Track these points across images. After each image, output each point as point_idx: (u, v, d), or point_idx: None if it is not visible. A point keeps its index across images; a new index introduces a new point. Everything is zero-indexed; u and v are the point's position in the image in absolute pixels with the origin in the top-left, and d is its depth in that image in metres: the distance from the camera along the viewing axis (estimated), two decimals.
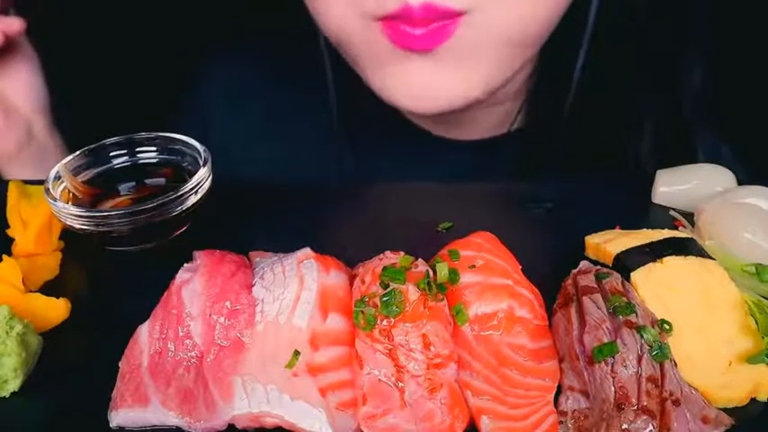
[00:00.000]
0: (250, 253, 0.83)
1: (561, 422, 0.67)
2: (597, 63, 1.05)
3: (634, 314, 0.70)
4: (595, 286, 0.74)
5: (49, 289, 0.82)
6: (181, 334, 0.71)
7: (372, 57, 0.94)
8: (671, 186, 0.95)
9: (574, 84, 1.05)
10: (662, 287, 0.76)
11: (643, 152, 1.11)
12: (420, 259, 0.77)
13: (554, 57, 1.04)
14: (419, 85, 0.92)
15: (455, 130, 1.14)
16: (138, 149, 0.96)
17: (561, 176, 1.22)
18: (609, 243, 0.84)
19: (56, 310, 0.78)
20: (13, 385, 0.70)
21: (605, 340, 0.67)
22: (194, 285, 0.73)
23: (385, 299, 0.70)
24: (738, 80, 1.17)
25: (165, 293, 0.74)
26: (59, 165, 0.90)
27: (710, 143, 1.16)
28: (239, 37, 1.22)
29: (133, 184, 0.95)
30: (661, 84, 1.10)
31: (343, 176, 1.17)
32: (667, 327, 0.71)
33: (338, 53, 1.04)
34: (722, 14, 1.11)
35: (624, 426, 0.63)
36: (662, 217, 0.93)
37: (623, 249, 0.82)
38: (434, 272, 0.75)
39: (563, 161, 1.10)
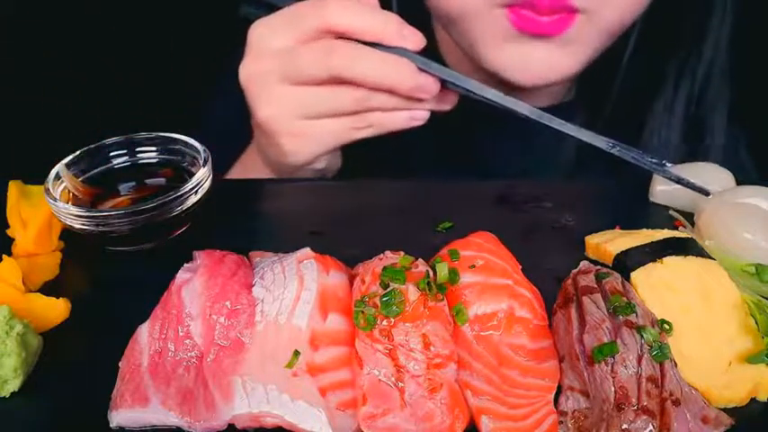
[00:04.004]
0: (250, 253, 0.83)
1: (561, 422, 0.67)
2: (643, 49, 1.16)
3: (634, 314, 0.70)
4: (595, 286, 0.74)
5: (49, 289, 0.82)
6: (181, 334, 0.71)
7: (489, 35, 1.04)
8: (669, 185, 0.95)
9: (623, 65, 1.17)
10: (662, 287, 0.76)
11: (672, 143, 1.18)
12: (420, 259, 0.77)
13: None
14: (531, 63, 1.04)
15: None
16: (138, 149, 0.96)
17: (561, 176, 1.23)
18: (609, 243, 0.84)
19: (56, 310, 0.78)
20: (13, 385, 0.70)
21: (605, 340, 0.67)
22: (194, 285, 0.73)
23: (385, 299, 0.70)
24: (760, 80, 1.19)
25: (165, 293, 0.74)
26: (59, 165, 0.90)
27: (730, 140, 1.20)
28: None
29: (133, 184, 0.95)
30: (689, 79, 1.19)
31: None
32: (667, 327, 0.71)
33: None
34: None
35: (624, 426, 0.63)
36: (662, 217, 0.93)
37: (623, 249, 0.82)
38: (434, 272, 0.75)
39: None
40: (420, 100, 0.93)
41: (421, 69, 0.91)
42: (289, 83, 0.94)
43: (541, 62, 1.04)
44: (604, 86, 1.20)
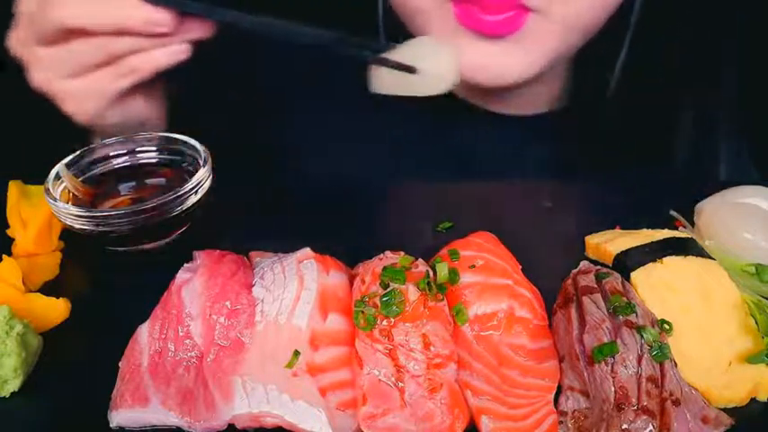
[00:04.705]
0: (250, 253, 0.83)
1: (561, 422, 0.67)
2: (640, 51, 1.12)
3: (634, 314, 0.70)
4: (595, 286, 0.74)
5: (49, 289, 0.82)
6: (181, 334, 0.71)
7: (439, 32, 1.00)
8: (381, 71, 0.89)
9: (617, 67, 1.13)
10: (662, 287, 0.76)
11: (675, 147, 1.15)
12: (420, 259, 0.77)
13: (598, 42, 1.09)
14: (480, 63, 1.00)
15: (499, 105, 1.18)
16: (138, 149, 0.96)
17: (562, 176, 1.22)
18: (609, 243, 0.84)
19: (56, 310, 0.78)
20: (13, 385, 0.70)
21: (605, 340, 0.67)
22: (194, 285, 0.73)
23: (385, 299, 0.70)
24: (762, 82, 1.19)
25: (165, 293, 0.74)
26: (59, 165, 0.90)
27: (733, 143, 1.18)
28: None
29: (133, 184, 0.95)
30: (694, 82, 1.15)
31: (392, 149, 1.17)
32: (667, 327, 0.71)
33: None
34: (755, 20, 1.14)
35: (624, 426, 0.63)
36: (662, 217, 0.93)
37: (623, 249, 0.82)
38: (434, 272, 0.75)
39: (601, 148, 1.13)
40: (163, 35, 0.89)
41: (151, 3, 0.86)
42: (41, 44, 0.91)
43: (488, 64, 1.00)
44: (599, 91, 1.16)
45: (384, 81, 0.90)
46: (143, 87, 0.93)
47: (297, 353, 0.69)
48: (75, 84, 0.91)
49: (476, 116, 1.18)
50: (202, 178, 0.88)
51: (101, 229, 0.84)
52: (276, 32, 0.89)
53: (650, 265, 0.78)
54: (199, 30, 0.91)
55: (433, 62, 0.89)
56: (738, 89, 1.18)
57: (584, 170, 1.14)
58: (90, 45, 0.88)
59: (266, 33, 0.90)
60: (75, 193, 0.90)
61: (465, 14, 0.95)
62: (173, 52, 0.90)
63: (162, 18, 0.86)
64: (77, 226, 0.84)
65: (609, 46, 1.10)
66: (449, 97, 1.04)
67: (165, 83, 0.98)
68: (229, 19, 0.88)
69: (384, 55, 0.89)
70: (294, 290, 0.73)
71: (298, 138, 1.19)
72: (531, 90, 1.13)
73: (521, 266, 0.80)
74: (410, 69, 0.88)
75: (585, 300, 0.72)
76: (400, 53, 0.89)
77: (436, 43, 0.91)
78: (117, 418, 0.68)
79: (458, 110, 1.16)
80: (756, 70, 1.20)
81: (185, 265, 0.77)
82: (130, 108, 0.96)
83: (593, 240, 0.87)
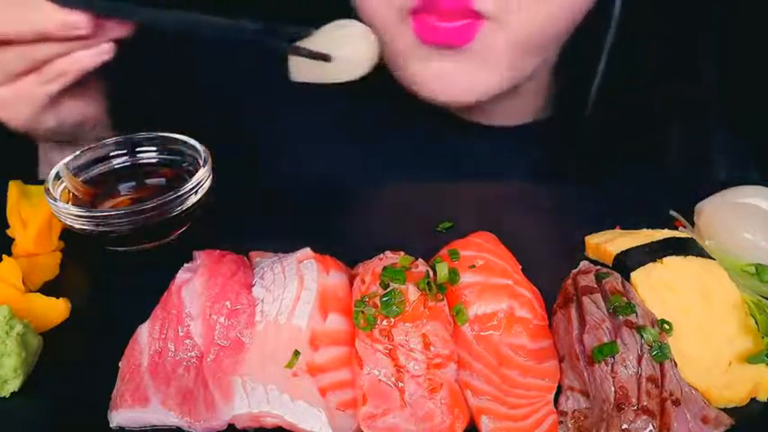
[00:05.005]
0: (250, 253, 0.83)
1: (561, 422, 0.67)
2: (622, 55, 1.09)
3: (634, 314, 0.70)
4: (595, 286, 0.74)
5: (49, 289, 0.82)
6: (181, 334, 0.71)
7: (401, 49, 1.00)
8: (298, 60, 0.88)
9: (598, 74, 1.10)
10: (662, 287, 0.76)
11: (668, 150, 1.13)
12: (420, 259, 0.77)
13: (577, 49, 1.08)
14: (441, 80, 1.00)
15: (480, 116, 1.17)
16: (138, 149, 0.96)
17: (562, 177, 1.22)
18: (609, 243, 0.84)
19: (56, 310, 0.78)
20: (13, 385, 0.70)
21: (605, 340, 0.67)
22: (194, 285, 0.73)
23: (385, 299, 0.70)
24: (758, 80, 1.17)
25: (165, 293, 0.74)
26: (59, 165, 0.91)
27: (729, 143, 1.17)
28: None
29: (133, 184, 0.95)
30: (684, 80, 1.13)
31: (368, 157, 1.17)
32: (667, 327, 0.71)
33: None
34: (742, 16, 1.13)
35: (624, 426, 0.63)
36: (662, 217, 0.93)
37: (623, 249, 0.82)
38: (434, 272, 0.75)
39: (589, 155, 1.12)
40: (83, 37, 0.88)
41: (66, 7, 0.86)
42: None
43: (449, 80, 0.99)
44: (582, 99, 1.13)
45: (301, 69, 0.89)
46: (74, 89, 0.92)
47: (297, 353, 0.69)
48: (3, 92, 0.91)
49: (463, 126, 1.17)
50: (202, 178, 0.88)
51: (101, 229, 0.84)
52: (193, 29, 0.89)
53: (650, 265, 0.78)
54: (120, 29, 0.90)
55: (348, 48, 0.88)
56: (730, 89, 1.17)
57: (576, 177, 1.13)
58: (12, 53, 0.88)
59: (183, 30, 0.89)
60: (75, 193, 0.91)
61: (422, 26, 0.95)
62: (96, 53, 0.90)
63: (78, 20, 0.86)
64: (77, 226, 0.84)
65: (588, 51, 1.07)
66: (434, 105, 1.05)
67: (98, 82, 0.97)
68: (146, 18, 0.88)
69: (300, 43, 0.88)
70: (294, 290, 0.73)
71: (298, 138, 1.19)
72: (510, 103, 1.12)
73: (521, 266, 0.80)
74: (324, 57, 0.87)
75: (585, 300, 0.72)
76: (316, 40, 0.88)
77: (353, 27, 0.90)
78: (117, 418, 0.68)
79: (446, 118, 1.16)
80: (752, 70, 1.19)
81: (185, 265, 0.77)
82: (64, 111, 0.96)
83: (593, 240, 0.87)
